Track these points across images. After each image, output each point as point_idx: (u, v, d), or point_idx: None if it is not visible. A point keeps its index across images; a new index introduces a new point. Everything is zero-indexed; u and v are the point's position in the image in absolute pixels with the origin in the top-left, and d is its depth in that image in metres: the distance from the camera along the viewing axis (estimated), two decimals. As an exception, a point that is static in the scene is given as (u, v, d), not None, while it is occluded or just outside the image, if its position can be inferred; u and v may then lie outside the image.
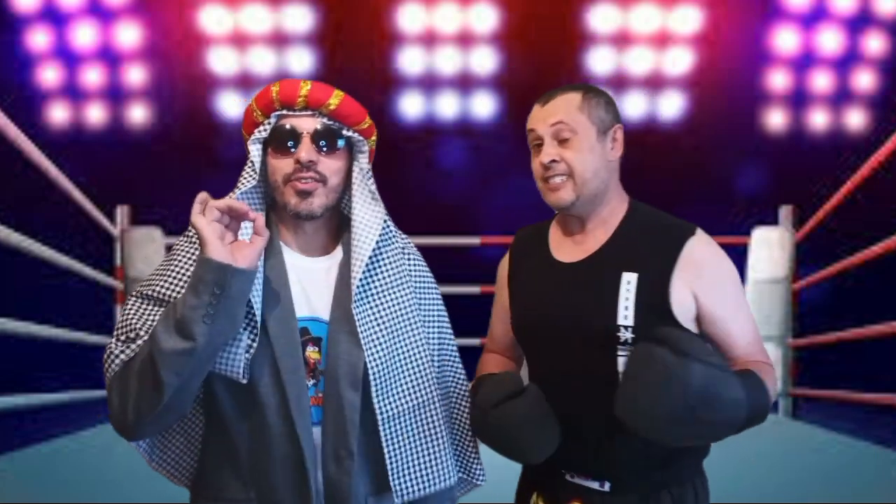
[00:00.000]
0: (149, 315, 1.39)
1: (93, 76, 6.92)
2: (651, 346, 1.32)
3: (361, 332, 1.43)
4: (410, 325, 1.49)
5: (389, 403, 1.44)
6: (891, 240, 3.65)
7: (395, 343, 1.46)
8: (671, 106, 7.26)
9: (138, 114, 7.01)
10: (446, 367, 1.60)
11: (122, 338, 1.37)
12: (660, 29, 7.10)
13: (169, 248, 1.55)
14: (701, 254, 1.50)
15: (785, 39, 7.24)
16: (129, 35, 6.93)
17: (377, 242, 1.49)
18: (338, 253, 1.52)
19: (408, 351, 1.48)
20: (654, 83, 7.21)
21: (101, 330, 4.79)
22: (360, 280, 1.45)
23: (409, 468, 1.45)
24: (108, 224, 5.08)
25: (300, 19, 7.04)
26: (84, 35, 6.89)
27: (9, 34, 6.78)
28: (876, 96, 7.25)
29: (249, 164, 1.47)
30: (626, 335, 1.45)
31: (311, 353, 1.44)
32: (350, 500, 1.41)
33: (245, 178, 1.47)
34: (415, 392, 1.48)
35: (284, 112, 1.46)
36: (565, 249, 1.57)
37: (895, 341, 3.82)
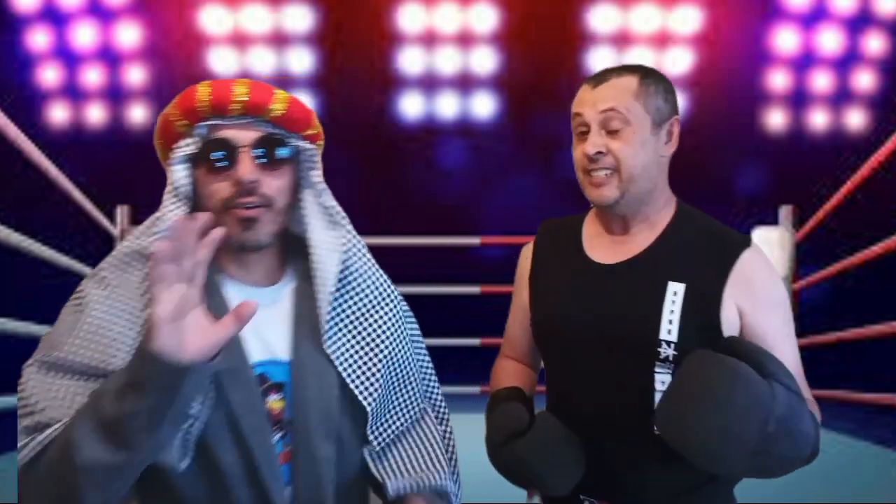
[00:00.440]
0: (57, 392, 1.06)
1: (93, 76, 6.92)
2: (732, 360, 1.15)
3: (346, 372, 1.21)
4: (398, 345, 1.28)
5: (383, 432, 1.26)
6: (891, 240, 3.65)
7: (388, 374, 1.26)
8: (671, 106, 7.26)
9: (138, 114, 7.01)
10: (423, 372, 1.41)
11: (26, 424, 1.04)
12: (660, 29, 7.10)
13: None
14: (756, 269, 1.34)
15: (785, 39, 7.23)
16: (129, 35, 6.92)
17: (343, 262, 1.25)
18: (288, 279, 1.27)
19: (401, 376, 1.29)
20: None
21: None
22: (329, 311, 1.22)
23: (403, 474, 1.28)
24: (108, 224, 5.08)
25: (300, 19, 7.04)
26: (84, 35, 6.89)
27: (9, 34, 6.78)
28: (876, 96, 7.25)
29: (172, 190, 1.19)
30: (667, 351, 1.27)
31: (274, 402, 1.19)
32: None
33: (169, 208, 1.18)
34: (407, 411, 1.30)
35: (216, 121, 1.18)
36: (602, 249, 1.39)
37: (895, 341, 3.82)
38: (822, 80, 7.29)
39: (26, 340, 3.58)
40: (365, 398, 1.22)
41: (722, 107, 7.14)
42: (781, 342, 1.33)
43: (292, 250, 1.28)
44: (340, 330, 1.23)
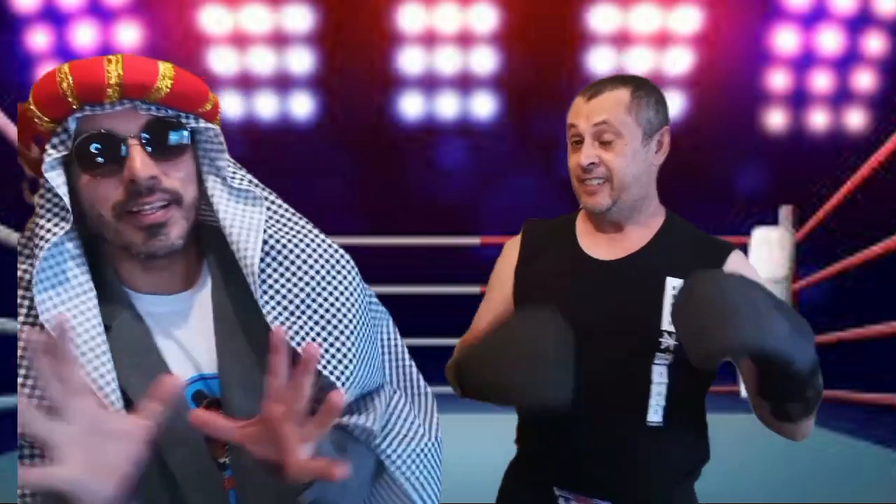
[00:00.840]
0: None
1: (93, 76, 6.92)
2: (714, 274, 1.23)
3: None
4: (356, 319, 1.06)
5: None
6: (891, 240, 3.65)
7: (358, 351, 1.05)
8: (671, 106, 7.24)
9: (138, 114, 7.01)
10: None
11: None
12: (660, 29, 7.11)
13: None
14: (743, 268, 1.40)
15: (785, 39, 7.24)
16: (129, 35, 6.92)
17: (269, 238, 1.04)
18: (204, 281, 1.06)
19: (371, 355, 1.08)
20: (655, 83, 7.21)
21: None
22: (265, 299, 1.01)
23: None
24: (108, 224, 5.08)
25: (300, 19, 7.04)
26: (84, 35, 6.89)
27: (9, 34, 6.78)
28: (876, 96, 7.25)
29: (48, 200, 0.97)
30: (668, 342, 1.34)
31: None
32: None
33: (47, 226, 0.95)
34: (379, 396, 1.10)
35: (87, 111, 0.94)
36: (599, 246, 1.44)
37: (895, 341, 3.82)
38: (822, 80, 7.30)
39: (26, 340, 3.58)
40: (338, 378, 1.01)
41: (722, 107, 7.14)
42: None
43: (206, 241, 1.07)
44: (281, 314, 1.01)
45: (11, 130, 3.26)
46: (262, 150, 6.20)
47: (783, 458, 3.92)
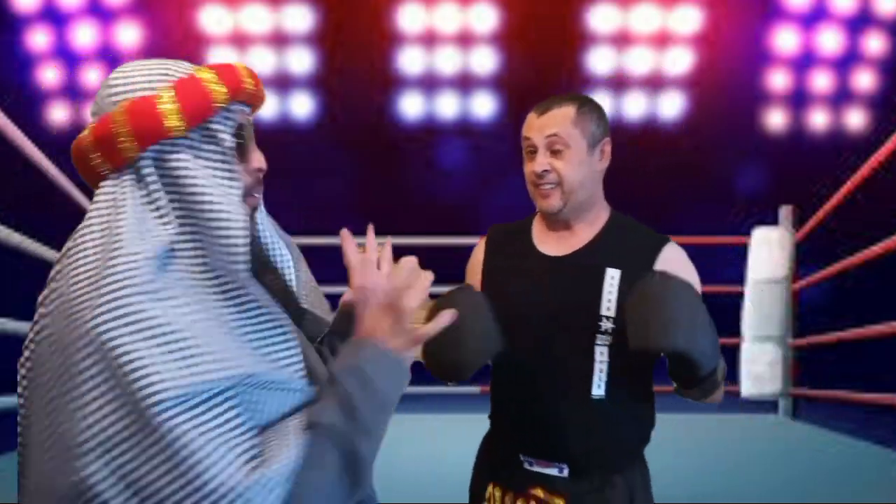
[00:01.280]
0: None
1: (93, 76, 6.93)
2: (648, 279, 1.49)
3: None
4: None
5: None
6: (891, 240, 3.65)
7: None
8: (671, 106, 7.27)
9: (138, 114, 7.01)
10: None
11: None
12: (660, 29, 7.11)
13: None
14: (676, 258, 1.63)
15: (785, 39, 7.24)
16: (129, 35, 6.93)
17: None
18: None
19: None
20: (654, 83, 7.21)
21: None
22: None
23: None
24: (108, 224, 5.08)
25: (300, 19, 7.05)
26: (84, 35, 6.89)
27: (9, 34, 6.79)
28: (876, 96, 7.26)
29: (228, 163, 0.99)
30: (607, 325, 1.55)
31: None
32: None
33: (232, 193, 0.97)
34: None
35: (247, 108, 1.08)
36: (550, 244, 1.66)
37: (895, 341, 3.83)
38: (822, 80, 7.30)
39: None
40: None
41: (722, 107, 7.15)
42: None
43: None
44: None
45: (11, 130, 3.27)
46: (262, 150, 6.17)
47: (783, 458, 3.92)
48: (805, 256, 5.29)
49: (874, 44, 7.20)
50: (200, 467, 0.82)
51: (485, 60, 7.19)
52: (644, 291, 1.45)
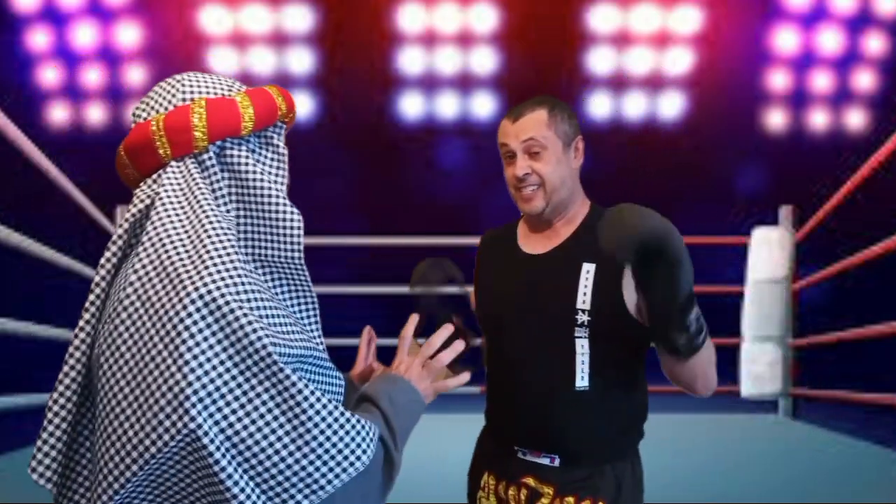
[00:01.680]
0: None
1: (93, 76, 6.92)
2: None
3: None
4: None
5: None
6: (891, 240, 3.65)
7: None
8: (671, 106, 7.27)
9: (138, 114, 7.01)
10: None
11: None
12: (660, 29, 7.10)
13: None
14: None
15: (785, 39, 7.24)
16: (129, 35, 6.93)
17: None
18: None
19: None
20: (654, 83, 7.21)
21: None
22: None
23: None
24: (109, 224, 5.08)
25: (300, 19, 7.04)
26: (84, 35, 6.89)
27: (9, 34, 6.78)
28: (876, 96, 7.25)
29: (283, 173, 1.14)
30: (583, 318, 1.60)
31: None
32: None
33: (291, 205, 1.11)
34: None
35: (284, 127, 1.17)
36: (533, 243, 1.73)
37: (895, 341, 3.83)
38: (822, 80, 7.30)
39: (26, 340, 3.59)
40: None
41: (722, 107, 7.14)
42: None
43: None
44: None
45: (11, 130, 3.27)
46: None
47: (783, 458, 3.92)
48: (805, 256, 5.30)
49: (874, 44, 7.19)
50: (306, 404, 0.96)
51: (485, 60, 7.19)
52: (620, 210, 1.48)
